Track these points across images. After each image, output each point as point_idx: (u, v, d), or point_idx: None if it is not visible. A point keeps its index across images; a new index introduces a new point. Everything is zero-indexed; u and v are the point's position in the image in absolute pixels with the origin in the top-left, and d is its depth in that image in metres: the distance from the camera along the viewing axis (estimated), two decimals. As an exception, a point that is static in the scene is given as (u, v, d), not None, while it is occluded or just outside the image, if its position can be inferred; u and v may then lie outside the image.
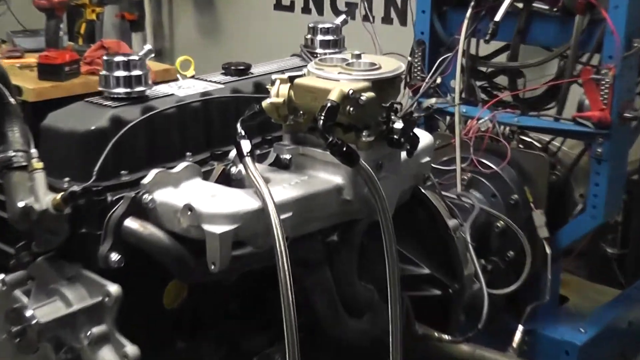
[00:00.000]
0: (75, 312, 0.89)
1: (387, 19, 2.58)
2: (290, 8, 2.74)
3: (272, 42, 2.57)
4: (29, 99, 1.97)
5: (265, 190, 0.85)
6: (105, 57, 0.96)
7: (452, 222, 1.22)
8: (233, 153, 0.97)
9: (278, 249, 0.83)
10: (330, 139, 0.86)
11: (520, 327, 1.46)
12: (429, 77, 1.72)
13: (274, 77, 0.93)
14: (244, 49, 2.88)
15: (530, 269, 1.52)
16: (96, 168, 0.91)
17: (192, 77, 1.16)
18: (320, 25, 1.26)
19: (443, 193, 1.30)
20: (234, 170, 0.96)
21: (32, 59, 2.17)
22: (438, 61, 1.71)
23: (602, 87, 1.46)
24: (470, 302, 1.23)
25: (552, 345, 1.58)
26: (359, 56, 0.96)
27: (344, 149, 0.88)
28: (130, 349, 0.87)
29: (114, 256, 0.88)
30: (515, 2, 1.59)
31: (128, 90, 0.97)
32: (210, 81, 1.11)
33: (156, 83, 1.05)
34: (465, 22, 1.65)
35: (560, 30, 1.59)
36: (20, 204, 0.88)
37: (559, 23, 1.58)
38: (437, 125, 1.81)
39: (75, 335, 0.90)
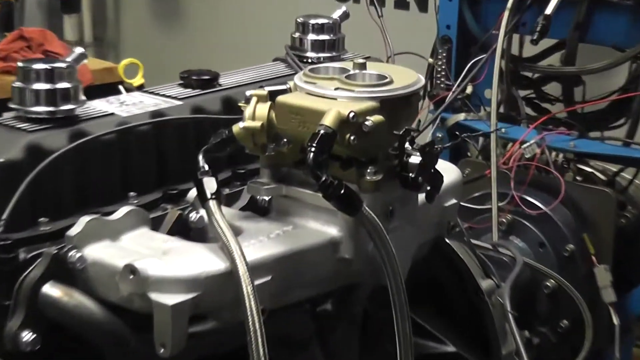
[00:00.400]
0: None
1: (401, 2, 2.63)
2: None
3: (249, 36, 2.61)
4: None
5: (234, 246, 0.86)
6: (20, 64, 0.99)
7: (486, 283, 1.24)
8: (193, 193, 0.99)
9: (251, 326, 0.84)
10: (324, 178, 0.87)
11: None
12: (456, 85, 1.77)
13: (248, 92, 0.95)
14: (212, 42, 2.93)
15: (591, 343, 1.55)
16: (5, 214, 0.92)
17: (141, 87, 1.20)
18: (312, 21, 1.28)
19: (474, 242, 1.33)
20: (193, 216, 0.98)
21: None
22: (469, 64, 1.76)
23: None
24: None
25: None
26: (363, 65, 0.98)
27: (342, 191, 0.89)
28: None
29: (27, 335, 0.88)
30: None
31: (51, 109, 0.99)
32: (164, 96, 1.13)
33: (92, 89, 1.09)
34: (506, 13, 1.70)
35: (632, 26, 1.64)
36: None
37: (631, 15, 1.64)
38: (465, 149, 1.86)
39: None
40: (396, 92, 0.95)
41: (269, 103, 0.94)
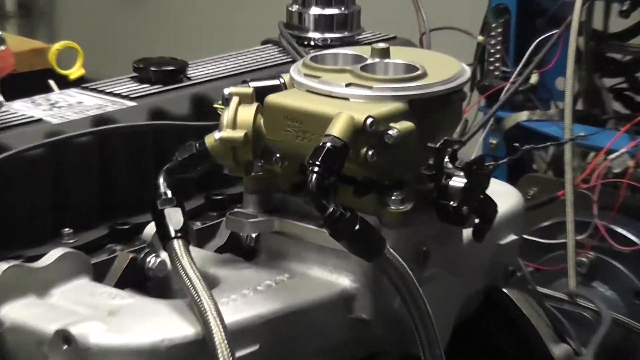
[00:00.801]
0: None
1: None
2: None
3: (231, 10, 2.60)
4: None
5: (208, 303, 0.87)
6: None
7: (560, 349, 1.28)
8: (151, 229, 1.02)
9: None
10: (331, 209, 0.87)
11: None
12: (516, 72, 1.80)
13: (227, 90, 0.97)
14: (180, 19, 2.93)
15: None
16: None
17: (80, 81, 1.22)
18: None
19: (542, 291, 1.37)
20: (152, 261, 1.01)
21: None
22: (534, 44, 1.79)
23: None
24: None
25: None
26: (385, 51, 1.00)
27: (356, 226, 0.89)
28: None
29: None
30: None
31: None
32: (111, 94, 1.15)
33: (15, 79, 1.14)
34: None
35: None
36: None
37: None
38: (530, 160, 1.89)
39: None
40: (431, 88, 0.96)
41: (255, 105, 0.95)
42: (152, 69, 1.19)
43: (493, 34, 1.84)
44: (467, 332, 1.10)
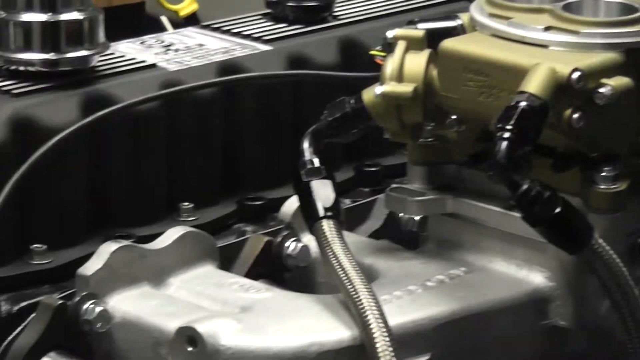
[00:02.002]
0: None
1: None
2: None
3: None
4: None
5: (367, 300, 0.78)
6: None
7: None
8: (290, 207, 0.94)
9: None
10: (525, 186, 0.79)
11: None
12: None
13: (390, 32, 0.89)
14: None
15: None
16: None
17: (192, 19, 1.20)
18: None
19: None
20: (292, 247, 0.94)
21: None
22: None
23: None
24: None
25: None
26: None
27: (557, 209, 0.80)
28: None
29: None
30: None
31: (52, 56, 0.96)
32: (239, 35, 1.10)
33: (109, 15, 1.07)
34: None
35: None
36: None
37: None
38: None
39: None
40: None
41: (426, 52, 0.87)
42: (290, 4, 1.14)
43: None
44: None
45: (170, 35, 1.14)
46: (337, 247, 0.84)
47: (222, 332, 0.82)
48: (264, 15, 1.20)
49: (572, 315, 0.90)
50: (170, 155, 1.05)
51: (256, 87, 1.09)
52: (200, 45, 1.11)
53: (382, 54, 0.95)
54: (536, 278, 0.90)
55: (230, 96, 1.07)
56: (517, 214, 0.85)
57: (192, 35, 1.15)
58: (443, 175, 0.95)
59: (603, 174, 0.87)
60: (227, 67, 1.09)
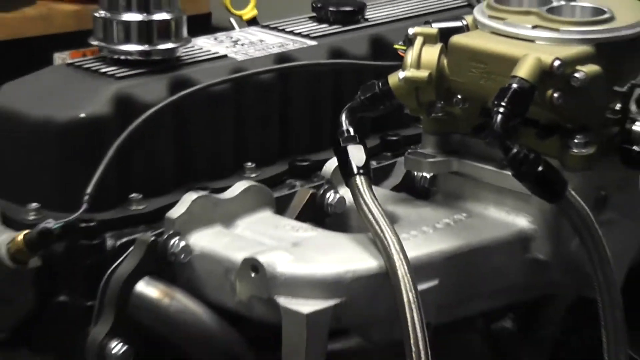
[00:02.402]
0: None
1: None
2: None
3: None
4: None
5: (391, 238, 0.89)
6: None
7: None
8: (330, 166, 1.06)
9: (413, 345, 0.87)
10: (515, 150, 0.89)
11: None
12: None
13: (411, 30, 0.99)
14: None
15: None
16: (89, 188, 0.99)
17: (253, 22, 1.26)
18: None
19: None
20: (331, 197, 1.04)
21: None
22: None
23: None
24: None
25: None
26: None
27: (540, 167, 0.91)
28: None
29: (117, 347, 0.96)
30: None
31: (146, 48, 1.07)
32: (291, 33, 1.22)
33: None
34: None
35: None
36: None
37: None
38: None
39: None
40: (619, 32, 0.96)
41: (439, 45, 0.96)
42: (331, 9, 1.23)
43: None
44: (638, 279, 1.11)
45: (237, 33, 1.22)
46: (367, 196, 0.94)
47: (278, 261, 0.90)
48: (310, 17, 1.27)
49: (549, 251, 0.99)
50: (237, 125, 1.12)
51: (304, 73, 1.16)
52: (261, 40, 1.19)
53: (404, 47, 1.02)
54: (522, 222, 0.99)
55: (284, 80, 1.14)
56: (508, 172, 0.93)
57: (254, 33, 1.22)
58: (450, 143, 1.04)
59: (576, 140, 0.96)
60: (281, 57, 1.15)
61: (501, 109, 0.88)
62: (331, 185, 1.05)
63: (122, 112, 1.04)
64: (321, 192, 1.05)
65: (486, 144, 0.97)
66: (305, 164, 1.12)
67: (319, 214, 1.04)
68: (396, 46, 1.04)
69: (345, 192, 1.02)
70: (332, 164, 1.05)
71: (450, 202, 1.03)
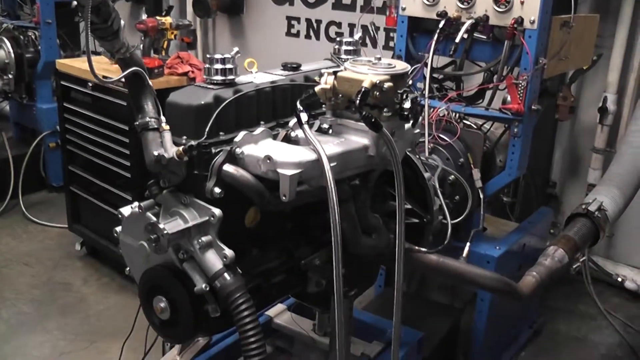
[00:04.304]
0: (190, 226, 1.56)
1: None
2: (297, 35, 4.81)
3: (284, 57, 3.90)
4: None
5: (320, 147, 1.42)
6: (208, 55, 1.65)
7: (426, 175, 2.00)
8: (292, 123, 1.62)
9: (329, 187, 1.41)
10: (365, 113, 1.45)
11: (468, 244, 2.58)
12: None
13: (323, 71, 1.59)
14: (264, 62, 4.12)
15: (469, 208, 2.64)
16: (207, 129, 1.56)
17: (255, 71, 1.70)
18: (345, 39, 2.04)
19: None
20: (293, 134, 1.62)
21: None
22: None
23: (519, 88, 2.64)
24: (437, 227, 2.02)
25: (480, 257, 2.73)
26: (379, 59, 1.63)
27: (373, 120, 1.47)
28: (228, 251, 1.54)
29: (217, 190, 1.51)
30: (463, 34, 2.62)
31: (223, 78, 1.63)
32: (274, 74, 1.77)
33: None
34: (433, 43, 2.66)
35: (492, 52, 2.79)
36: (155, 154, 1.52)
37: (491, 46, 2.75)
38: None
39: (189, 242, 1.56)
40: (398, 71, 1.61)
41: (333, 76, 1.59)
42: (289, 65, 1.93)
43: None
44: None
45: (254, 74, 1.85)
46: (309, 132, 1.56)
47: (278, 155, 1.54)
48: (281, 68, 1.91)
49: (375, 151, 1.66)
50: (257, 106, 1.73)
51: (282, 88, 1.80)
52: (263, 77, 1.83)
53: (319, 78, 1.58)
54: (365, 141, 1.62)
55: (274, 90, 1.80)
56: (361, 121, 1.52)
57: (260, 74, 1.83)
58: (336, 112, 1.66)
59: (384, 110, 1.64)
60: (273, 82, 1.73)
61: (359, 98, 1.46)
62: (293, 130, 1.64)
63: (216, 101, 1.60)
64: (289, 132, 1.66)
65: (351, 112, 1.58)
66: (282, 122, 1.73)
67: (288, 141, 1.64)
68: (315, 78, 1.61)
69: (299, 132, 1.60)
70: (293, 121, 1.64)
71: (337, 135, 1.60)
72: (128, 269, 1.71)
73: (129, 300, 3.56)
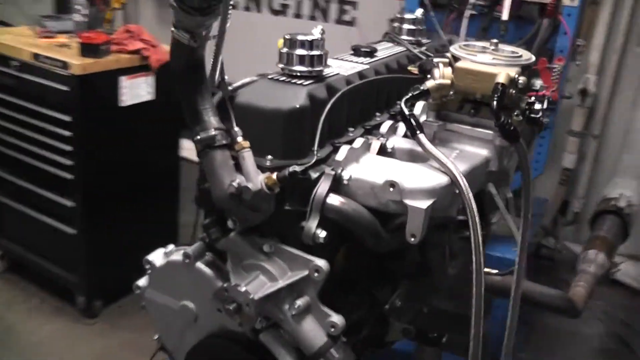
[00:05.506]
0: (282, 287, 1.08)
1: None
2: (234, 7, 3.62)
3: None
4: (75, 72, 2.59)
5: (452, 165, 1.04)
6: (287, 36, 1.14)
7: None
8: (384, 127, 1.21)
9: (470, 214, 1.04)
10: (503, 119, 1.07)
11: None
12: None
13: (436, 59, 1.17)
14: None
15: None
16: (315, 146, 1.11)
17: None
18: (406, 16, 1.62)
19: None
20: (389, 144, 1.20)
21: (63, 39, 2.93)
22: None
23: (554, 74, 2.23)
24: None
25: (499, 261, 2.32)
26: (497, 44, 1.22)
27: (512, 127, 1.08)
28: (336, 317, 1.08)
29: (322, 233, 1.05)
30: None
31: (309, 68, 1.16)
32: (352, 62, 1.36)
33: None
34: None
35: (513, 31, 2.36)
36: (234, 184, 1.04)
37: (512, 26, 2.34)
38: None
39: (277, 307, 1.10)
40: (528, 61, 1.21)
41: (450, 67, 1.14)
42: (362, 49, 1.47)
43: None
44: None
45: (330, 62, 1.35)
46: (428, 145, 1.12)
47: (405, 180, 1.09)
48: (351, 54, 1.51)
49: (497, 165, 1.21)
50: (348, 108, 1.30)
51: (376, 82, 1.38)
52: (339, 66, 1.38)
53: (414, 68, 1.21)
54: (484, 152, 1.21)
55: (366, 86, 1.35)
56: (498, 131, 1.10)
57: (336, 62, 1.41)
58: (441, 114, 1.23)
59: (515, 113, 1.20)
60: (361, 75, 1.36)
61: (496, 99, 1.09)
62: (386, 138, 1.23)
63: (312, 104, 1.13)
64: (384, 141, 1.20)
65: (468, 114, 1.17)
66: (369, 127, 1.30)
67: (382, 153, 1.21)
68: (410, 68, 1.22)
69: (394, 141, 1.20)
70: (385, 126, 1.22)
71: (445, 145, 1.21)
72: (157, 336, 1.28)
73: (70, 327, 2.79)
